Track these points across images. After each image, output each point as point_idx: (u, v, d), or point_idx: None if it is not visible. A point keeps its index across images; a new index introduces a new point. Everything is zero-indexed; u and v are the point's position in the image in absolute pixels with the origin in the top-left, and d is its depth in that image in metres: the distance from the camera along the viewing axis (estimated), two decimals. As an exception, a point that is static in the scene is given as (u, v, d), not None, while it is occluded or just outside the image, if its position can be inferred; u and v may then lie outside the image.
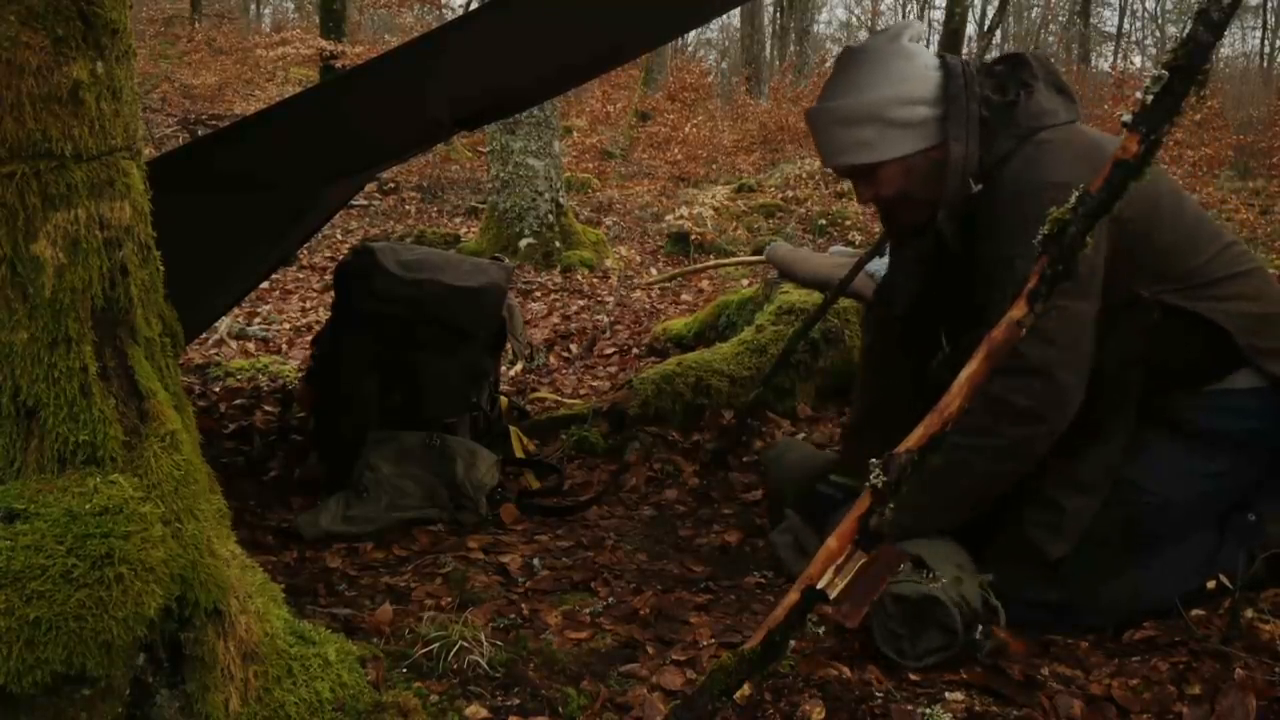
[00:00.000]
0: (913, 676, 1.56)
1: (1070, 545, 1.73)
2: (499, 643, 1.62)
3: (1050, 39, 23.80)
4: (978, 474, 1.68)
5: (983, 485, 1.70)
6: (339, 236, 7.09)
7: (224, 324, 4.54)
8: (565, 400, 3.40)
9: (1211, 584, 1.73)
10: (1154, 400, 1.75)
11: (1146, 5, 29.37)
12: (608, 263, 6.43)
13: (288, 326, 4.87)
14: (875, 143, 1.78)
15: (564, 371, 4.10)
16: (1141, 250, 1.69)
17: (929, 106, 1.76)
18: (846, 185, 8.99)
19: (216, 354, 4.21)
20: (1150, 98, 1.10)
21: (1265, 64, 26.32)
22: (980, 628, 1.60)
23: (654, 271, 6.45)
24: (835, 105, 1.81)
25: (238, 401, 3.36)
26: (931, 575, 1.64)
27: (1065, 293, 1.55)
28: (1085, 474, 1.74)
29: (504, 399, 3.04)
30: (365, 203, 8.25)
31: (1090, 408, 1.66)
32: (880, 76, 1.78)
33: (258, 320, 4.93)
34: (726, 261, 3.74)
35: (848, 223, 7.75)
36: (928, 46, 1.90)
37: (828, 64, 20.69)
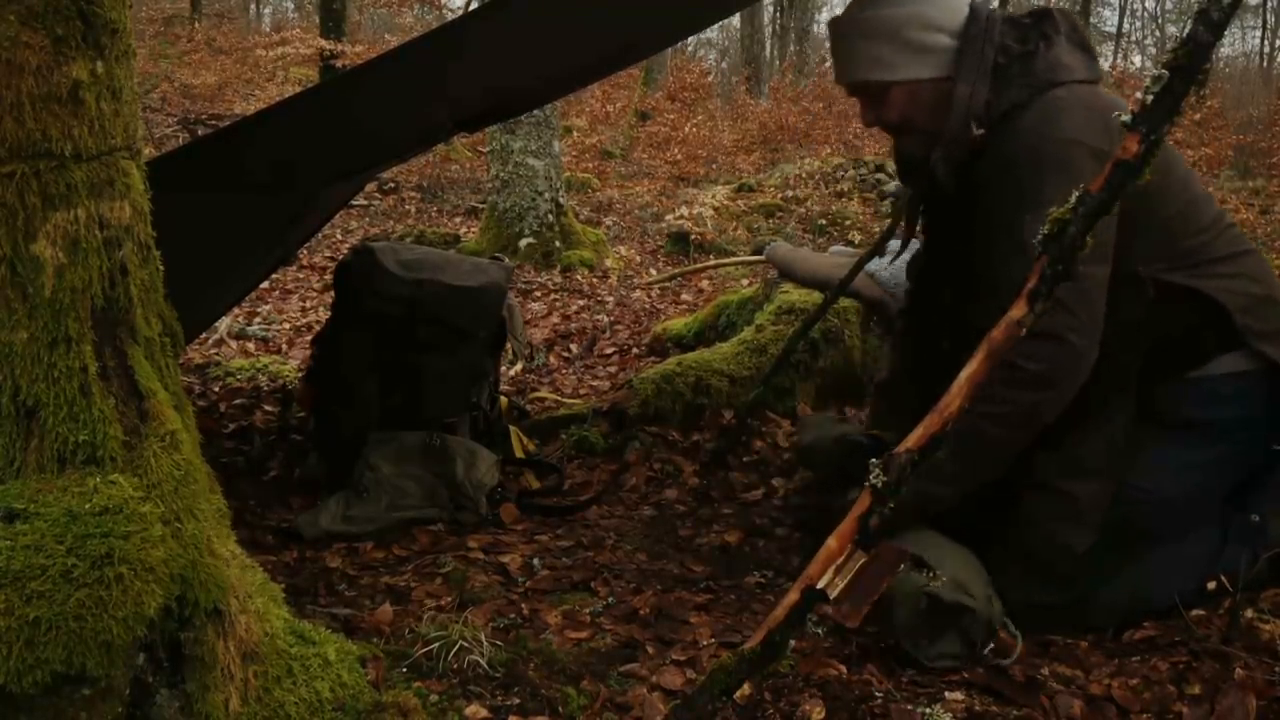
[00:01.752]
0: (913, 676, 1.56)
1: (1093, 534, 1.70)
2: (499, 643, 1.62)
3: (1050, 39, 23.70)
4: (988, 441, 1.65)
5: (992, 453, 1.67)
6: (339, 236, 7.09)
7: (224, 324, 4.54)
8: (565, 400, 3.40)
9: (1212, 585, 1.73)
10: (1140, 390, 1.74)
11: (1146, 5, 29.38)
12: (608, 263, 6.43)
13: (288, 326, 4.87)
14: (889, 61, 1.74)
15: (564, 371, 4.10)
16: (1146, 218, 1.66)
17: (949, 37, 1.73)
18: (846, 185, 8.99)
19: (216, 354, 4.20)
20: (1150, 98, 1.10)
21: (1265, 64, 26.32)
22: (991, 646, 1.61)
23: (654, 271, 6.45)
24: (858, 16, 1.78)
25: (238, 401, 3.36)
26: (932, 574, 1.65)
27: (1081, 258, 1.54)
28: (1089, 458, 1.71)
29: (504, 399, 3.03)
30: (365, 203, 8.25)
31: (1089, 388, 1.64)
32: None
33: (258, 320, 4.92)
34: (726, 261, 3.74)
35: (848, 223, 7.74)
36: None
37: (828, 64, 20.65)
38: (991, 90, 1.71)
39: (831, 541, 1.20)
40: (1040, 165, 1.61)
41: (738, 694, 1.37)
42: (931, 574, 1.65)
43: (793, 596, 1.21)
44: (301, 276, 5.97)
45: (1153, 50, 27.01)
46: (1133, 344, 1.69)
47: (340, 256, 4.09)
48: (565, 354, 4.38)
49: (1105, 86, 1.87)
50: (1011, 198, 1.62)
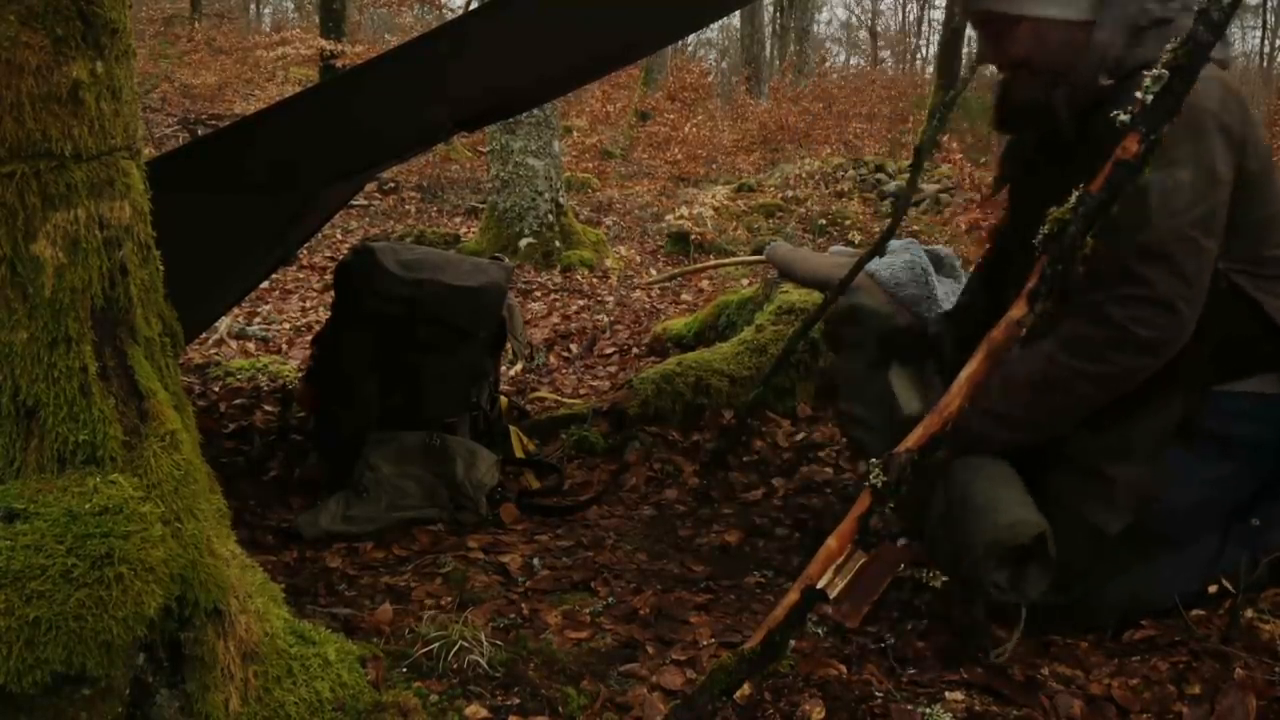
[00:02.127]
0: (913, 676, 1.56)
1: (1126, 518, 1.69)
2: (499, 643, 1.62)
3: (1050, 39, 23.71)
4: (1076, 396, 1.64)
5: (1074, 408, 1.66)
6: (339, 236, 7.09)
7: (224, 324, 4.54)
8: (565, 400, 3.40)
9: (1213, 588, 1.73)
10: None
11: (1146, 5, 29.26)
12: (608, 263, 6.43)
13: (288, 326, 4.87)
14: None
15: (564, 371, 4.10)
16: (1242, 214, 1.64)
17: None
18: (846, 185, 8.99)
19: (216, 354, 4.21)
20: (1150, 98, 1.10)
21: (1265, 64, 26.32)
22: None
23: (654, 271, 6.45)
24: None
25: (238, 401, 3.36)
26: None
27: (1198, 226, 1.53)
28: (1137, 442, 1.70)
29: (504, 399, 3.03)
30: (365, 203, 8.25)
31: (1157, 372, 1.63)
32: None
33: (258, 320, 4.92)
34: (726, 261, 3.75)
35: (848, 223, 7.74)
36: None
37: (828, 63, 20.65)
38: (1125, 46, 1.68)
39: (831, 541, 1.20)
40: (1173, 129, 1.59)
41: (738, 694, 1.37)
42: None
43: (793, 596, 1.21)
44: (301, 276, 5.97)
45: (1153, 50, 26.92)
46: (1203, 335, 1.66)
47: (340, 256, 4.09)
48: (565, 354, 4.38)
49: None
50: None
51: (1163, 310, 1.57)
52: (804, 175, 9.32)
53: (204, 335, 4.30)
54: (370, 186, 8.43)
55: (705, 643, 1.67)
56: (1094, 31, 1.69)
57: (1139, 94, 1.12)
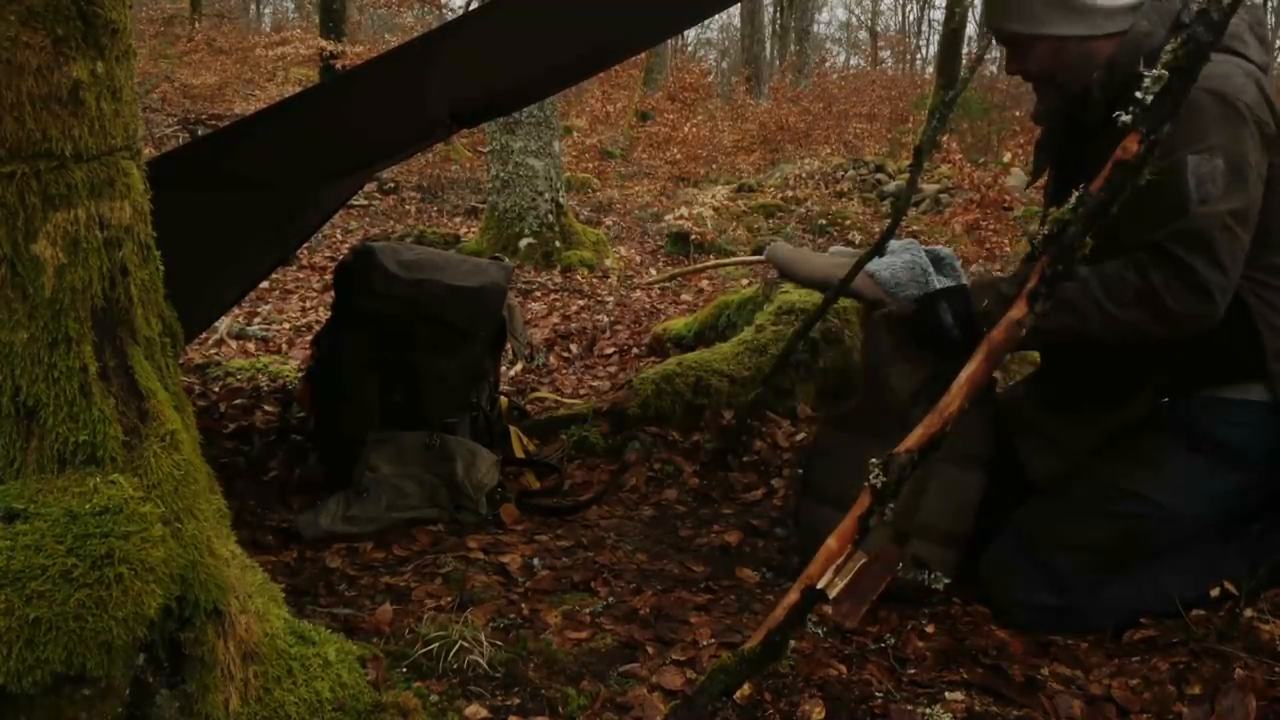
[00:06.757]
0: (913, 676, 1.56)
1: None
2: (499, 643, 1.62)
3: (1050, 39, 23.71)
4: (1088, 325, 1.66)
5: (1084, 334, 1.67)
6: (339, 236, 7.09)
7: (224, 324, 4.54)
8: (565, 400, 3.40)
9: (1215, 591, 1.73)
10: (1175, 405, 1.72)
11: (1146, 5, 29.23)
12: (608, 263, 6.43)
13: (288, 326, 4.87)
14: (1038, 16, 1.73)
15: (564, 371, 4.10)
16: (1268, 211, 1.64)
17: None
18: (846, 185, 8.99)
19: (216, 354, 4.21)
20: (1150, 98, 1.10)
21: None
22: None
23: (654, 271, 6.45)
24: None
25: (238, 401, 3.36)
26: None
27: (1235, 217, 1.56)
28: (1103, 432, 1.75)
29: (504, 399, 3.03)
30: (365, 203, 8.25)
31: None
32: None
33: (258, 320, 4.92)
34: (726, 261, 3.74)
35: (848, 223, 7.75)
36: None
37: (828, 64, 20.66)
38: (1167, 37, 1.69)
39: (831, 542, 1.20)
40: (1202, 110, 1.58)
41: (738, 694, 1.37)
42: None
43: (793, 596, 1.21)
44: (301, 276, 5.97)
45: (1153, 50, 26.86)
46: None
47: (340, 256, 4.09)
48: (565, 354, 4.38)
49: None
50: (1177, 138, 1.53)
51: (1200, 295, 1.58)
52: (804, 175, 9.33)
53: (204, 335, 4.30)
54: (370, 186, 8.43)
55: (705, 643, 1.67)
56: (1135, 23, 1.70)
57: (1139, 94, 1.12)
